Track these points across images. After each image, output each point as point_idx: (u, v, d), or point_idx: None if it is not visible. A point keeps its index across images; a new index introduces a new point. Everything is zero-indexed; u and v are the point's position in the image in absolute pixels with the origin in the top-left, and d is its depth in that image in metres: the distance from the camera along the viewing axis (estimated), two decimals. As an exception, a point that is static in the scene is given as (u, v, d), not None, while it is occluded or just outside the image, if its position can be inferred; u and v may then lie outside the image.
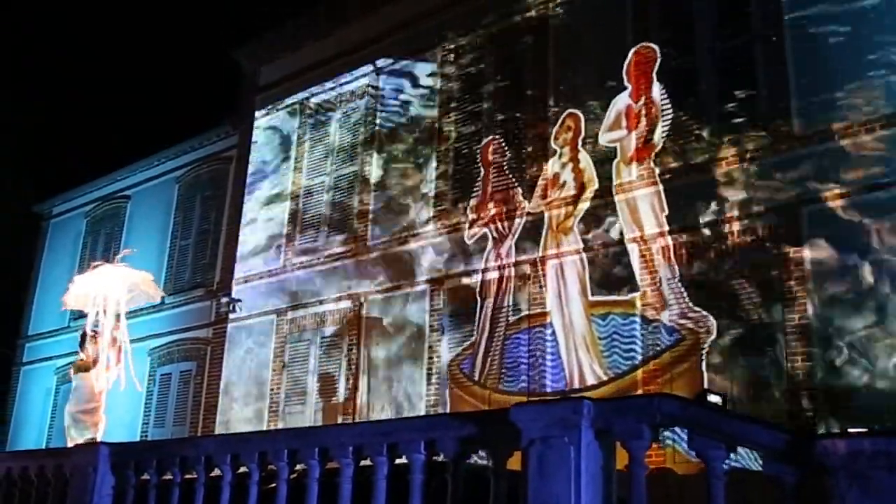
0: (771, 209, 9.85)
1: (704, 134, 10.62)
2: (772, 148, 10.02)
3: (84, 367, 10.11)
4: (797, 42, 10.13)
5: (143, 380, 16.46)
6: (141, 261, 18.47)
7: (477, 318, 12.09)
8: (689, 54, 11.04)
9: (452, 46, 13.61)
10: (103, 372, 10.23)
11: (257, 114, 16.38)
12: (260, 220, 15.53)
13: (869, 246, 9.08)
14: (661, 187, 10.82)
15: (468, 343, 12.11)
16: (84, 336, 10.56)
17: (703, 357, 9.84)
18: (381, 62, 14.51)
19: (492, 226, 12.39)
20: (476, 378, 11.83)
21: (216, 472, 6.56)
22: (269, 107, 16.19)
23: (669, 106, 11.06)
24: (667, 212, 10.69)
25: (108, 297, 10.73)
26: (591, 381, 10.69)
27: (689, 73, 10.97)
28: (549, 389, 10.98)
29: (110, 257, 19.48)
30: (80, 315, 19.11)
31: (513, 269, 11.97)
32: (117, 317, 10.65)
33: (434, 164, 13.26)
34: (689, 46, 11.08)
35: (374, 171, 14.05)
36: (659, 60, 11.29)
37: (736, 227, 10.07)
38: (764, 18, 10.50)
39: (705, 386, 9.50)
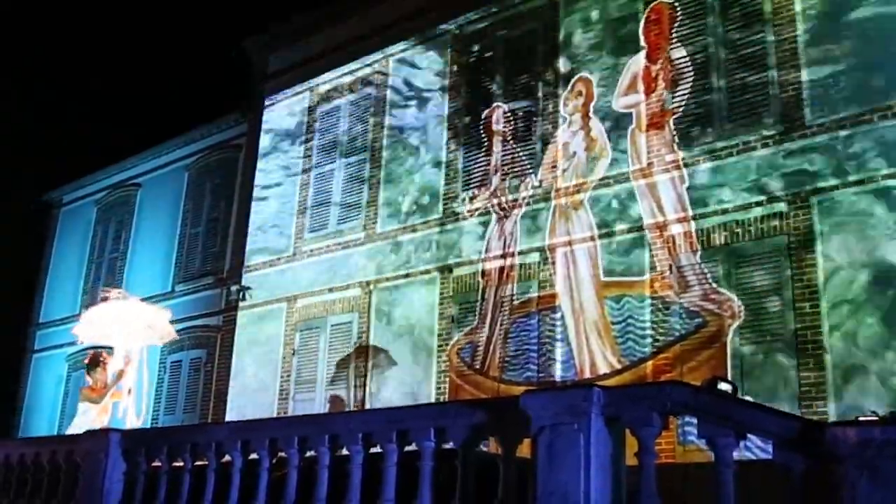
0: (783, 197, 9.81)
1: (715, 122, 10.56)
2: (784, 136, 9.98)
3: (92, 398, 9.85)
4: (808, 31, 10.08)
5: (154, 367, 16.53)
6: (151, 249, 18.62)
7: (479, 303, 12.03)
8: (701, 41, 10.98)
9: (462, 25, 13.55)
10: (109, 402, 10.02)
11: (266, 101, 16.37)
12: (270, 207, 15.54)
13: (880, 235, 9.05)
14: (680, 155, 10.65)
15: (469, 329, 12.05)
16: (92, 362, 10.25)
17: (728, 344, 9.72)
18: (390, 48, 14.48)
19: (495, 200, 12.30)
20: (478, 366, 11.78)
21: (227, 458, 6.58)
22: (279, 94, 16.18)
23: (689, 66, 10.86)
24: (687, 183, 10.53)
25: (125, 334, 10.47)
26: (603, 369, 10.60)
27: (700, 59, 10.91)
28: (558, 379, 10.92)
29: (120, 245, 19.59)
30: (92, 303, 19.23)
31: (518, 248, 11.86)
32: (127, 356, 10.35)
33: (444, 148, 13.23)
34: (700, 35, 11.02)
35: (383, 156, 14.04)
36: (678, 17, 11.11)
37: (749, 213, 10.03)
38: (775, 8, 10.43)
39: (729, 375, 9.39)
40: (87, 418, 9.53)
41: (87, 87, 32.76)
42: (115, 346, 10.40)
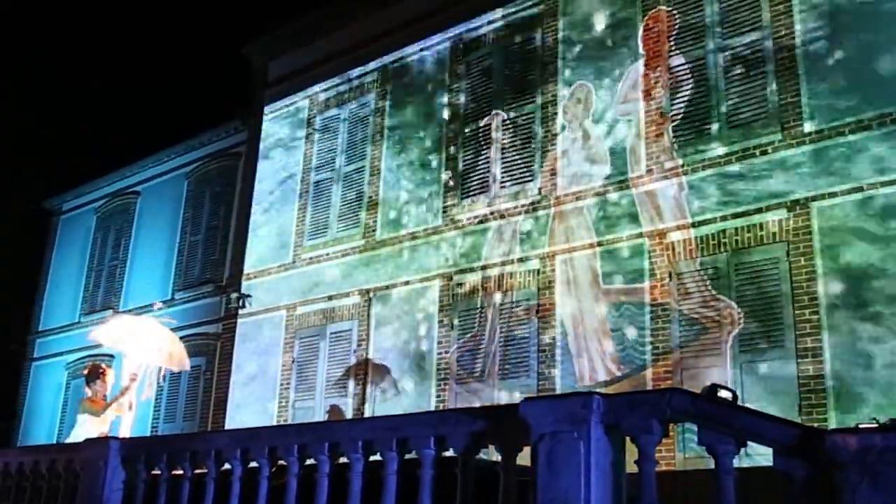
0: (782, 204, 9.82)
1: (713, 130, 10.58)
2: (782, 143, 10.00)
3: (92, 410, 9.76)
4: (808, 38, 10.10)
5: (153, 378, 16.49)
6: (150, 257, 18.62)
7: (479, 310, 12.02)
8: (700, 49, 10.99)
9: (462, 32, 13.58)
10: (109, 414, 9.96)
11: (266, 109, 16.40)
12: (269, 215, 15.55)
13: (879, 242, 9.05)
14: (679, 162, 10.66)
15: (468, 336, 12.05)
16: (91, 373, 9.96)
17: (728, 351, 9.71)
18: (389, 55, 14.50)
19: (495, 207, 12.31)
20: (477, 374, 11.77)
21: (226, 466, 6.57)
22: (279, 102, 16.20)
23: (688, 73, 10.90)
24: (686, 190, 10.55)
25: (137, 343, 10.43)
26: (602, 376, 10.60)
27: (699, 67, 10.93)
28: (558, 386, 10.91)
29: (120, 253, 19.60)
30: (91, 311, 19.26)
31: (518, 255, 11.87)
32: (133, 373, 10.28)
33: (444, 155, 13.25)
34: (699, 43, 11.04)
35: (383, 164, 14.05)
36: (677, 25, 11.14)
37: (749, 220, 10.04)
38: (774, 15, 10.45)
39: (728, 381, 9.38)
40: (86, 429, 9.49)
41: (87, 92, 32.81)
42: (128, 357, 10.36)
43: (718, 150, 10.43)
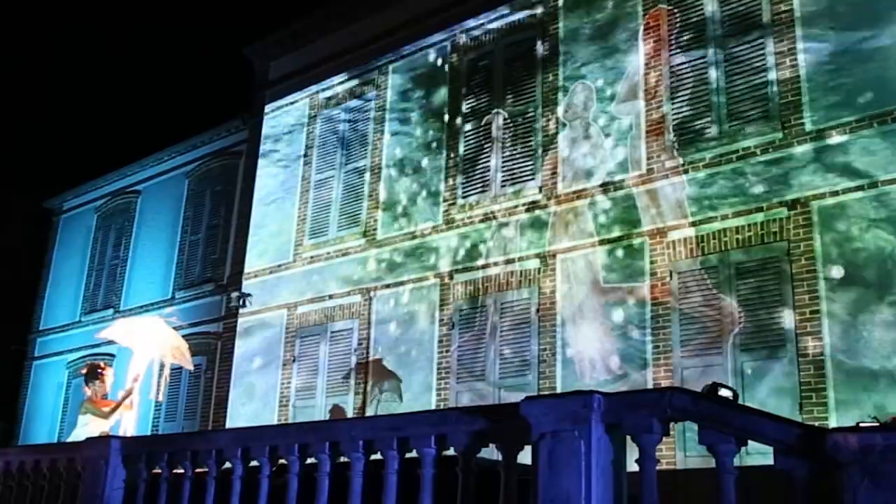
0: (783, 203, 9.82)
1: (714, 129, 10.58)
2: (783, 141, 9.99)
3: (97, 412, 9.69)
4: (809, 37, 10.09)
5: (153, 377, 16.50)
6: (151, 256, 18.63)
7: (480, 309, 12.03)
8: (700, 48, 10.99)
9: (462, 31, 13.58)
10: (115, 417, 9.92)
11: (267, 108, 16.40)
12: (270, 214, 15.55)
13: (880, 241, 9.05)
14: (680, 161, 10.66)
15: (469, 335, 12.05)
16: (90, 373, 9.83)
17: (729, 350, 9.72)
18: (389, 55, 14.51)
19: (495, 206, 12.31)
20: (478, 373, 11.77)
21: (227, 465, 6.57)
22: (279, 101, 16.20)
23: (689, 72, 10.90)
24: (687, 189, 10.55)
25: (148, 350, 10.45)
26: (603, 375, 10.60)
27: (700, 66, 10.93)
28: (558, 385, 10.91)
29: (120, 252, 19.61)
30: (92, 310, 19.26)
31: (518, 254, 11.87)
32: (137, 374, 10.27)
33: (444, 155, 13.25)
34: (699, 42, 11.03)
35: (383, 163, 14.05)
36: (677, 23, 11.14)
37: (750, 219, 10.04)
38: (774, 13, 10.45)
39: (728, 380, 9.37)
40: (88, 430, 9.47)
41: (87, 92, 32.81)
42: (136, 353, 10.39)
43: (719, 148, 10.43)
